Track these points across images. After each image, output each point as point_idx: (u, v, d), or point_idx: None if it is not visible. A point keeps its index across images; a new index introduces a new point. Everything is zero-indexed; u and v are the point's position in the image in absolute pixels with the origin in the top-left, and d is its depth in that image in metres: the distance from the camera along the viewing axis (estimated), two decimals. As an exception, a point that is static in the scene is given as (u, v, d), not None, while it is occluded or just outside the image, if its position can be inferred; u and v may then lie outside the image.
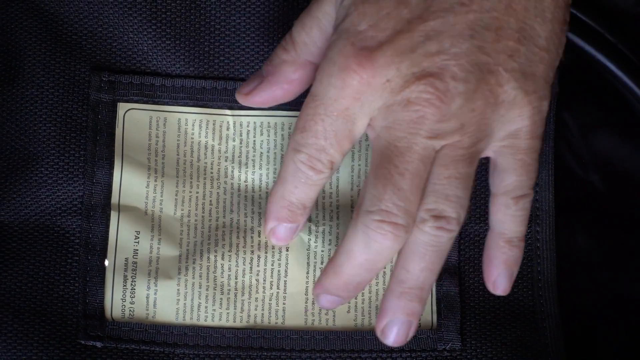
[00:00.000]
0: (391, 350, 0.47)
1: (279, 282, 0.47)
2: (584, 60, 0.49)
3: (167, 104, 0.48)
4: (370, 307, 0.47)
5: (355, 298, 0.47)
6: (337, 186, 0.48)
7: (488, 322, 0.47)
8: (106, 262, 0.47)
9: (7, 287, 0.46)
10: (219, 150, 0.48)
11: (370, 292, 0.47)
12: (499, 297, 0.47)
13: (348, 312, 0.47)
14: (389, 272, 0.47)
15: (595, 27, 0.49)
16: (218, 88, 0.48)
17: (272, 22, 0.49)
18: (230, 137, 0.48)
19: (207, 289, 0.47)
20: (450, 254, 0.47)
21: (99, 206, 0.47)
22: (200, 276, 0.47)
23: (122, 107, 0.48)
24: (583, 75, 0.49)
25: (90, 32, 0.48)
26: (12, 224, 0.47)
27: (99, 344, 0.46)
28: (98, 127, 0.48)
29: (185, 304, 0.46)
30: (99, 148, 0.47)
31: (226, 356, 0.46)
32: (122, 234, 0.47)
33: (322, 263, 0.47)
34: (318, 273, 0.47)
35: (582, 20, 0.49)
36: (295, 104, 0.46)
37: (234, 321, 0.46)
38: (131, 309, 0.46)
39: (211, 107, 0.48)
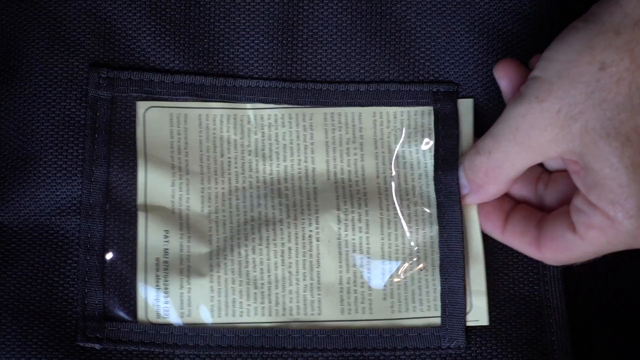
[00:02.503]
0: (394, 348, 0.45)
1: (312, 273, 0.45)
2: None
3: (179, 100, 0.46)
4: (406, 293, 0.45)
5: (391, 285, 0.45)
6: (363, 174, 0.46)
7: (493, 318, 0.46)
8: (108, 256, 0.45)
9: (5, 288, 0.44)
10: (242, 145, 0.46)
11: (405, 278, 0.46)
12: (504, 292, 0.46)
13: (384, 299, 0.45)
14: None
15: None
16: (217, 85, 0.47)
17: (271, 19, 0.47)
18: (252, 131, 0.47)
19: (240, 284, 0.45)
20: (455, 245, 0.45)
21: (97, 205, 0.45)
22: (233, 272, 0.45)
23: (141, 105, 0.46)
24: None
25: (89, 29, 0.47)
26: (10, 225, 0.45)
27: (97, 346, 0.44)
28: (96, 125, 0.46)
29: (219, 300, 0.45)
30: (97, 146, 0.46)
31: (227, 356, 0.45)
32: (151, 234, 0.45)
33: (353, 251, 0.46)
34: (350, 262, 0.45)
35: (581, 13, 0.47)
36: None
37: (270, 315, 0.45)
38: (166, 309, 0.45)
39: (231, 101, 0.46)
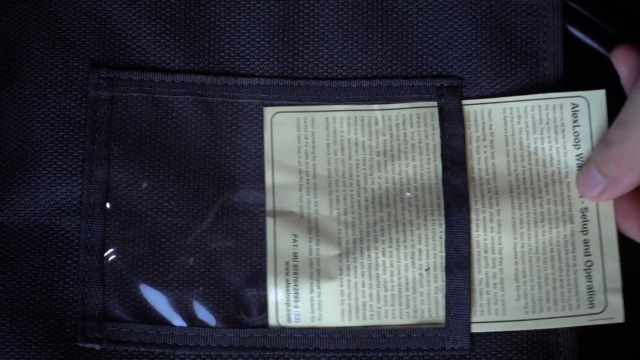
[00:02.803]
0: (397, 349, 0.44)
1: (443, 274, 0.45)
2: (586, 55, 0.48)
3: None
4: (540, 293, 0.44)
5: (525, 285, 0.44)
6: (494, 172, 0.45)
7: (499, 320, 0.45)
8: (107, 255, 0.45)
9: (5, 289, 0.44)
10: (370, 146, 0.46)
11: (539, 278, 0.44)
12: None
13: (517, 300, 0.44)
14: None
15: (597, 21, 0.48)
16: (218, 84, 0.46)
17: (272, 16, 0.47)
18: (379, 132, 0.46)
19: (370, 287, 0.45)
20: (461, 246, 0.44)
21: (97, 205, 0.45)
22: (363, 274, 0.45)
23: (268, 111, 0.46)
24: (585, 69, 0.47)
25: (88, 29, 0.47)
26: (10, 225, 0.45)
27: (97, 346, 0.44)
28: (96, 125, 0.46)
29: (349, 304, 0.45)
30: (97, 146, 0.46)
31: (228, 357, 0.44)
32: (280, 239, 0.45)
33: (486, 252, 0.45)
34: (482, 263, 0.45)
35: (584, 16, 0.47)
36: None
37: (400, 318, 0.44)
38: (296, 313, 0.44)
39: (355, 103, 0.46)
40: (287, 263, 0.45)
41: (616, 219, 0.44)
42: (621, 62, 0.43)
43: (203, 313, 0.45)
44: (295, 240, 0.45)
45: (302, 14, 0.47)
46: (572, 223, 0.45)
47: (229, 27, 0.47)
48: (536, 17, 0.46)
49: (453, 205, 0.45)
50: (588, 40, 0.47)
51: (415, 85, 0.46)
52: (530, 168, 0.45)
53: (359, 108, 0.46)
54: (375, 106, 0.46)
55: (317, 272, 0.45)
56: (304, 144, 0.46)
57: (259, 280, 0.45)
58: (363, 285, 0.45)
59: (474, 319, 0.44)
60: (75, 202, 0.45)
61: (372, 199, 0.45)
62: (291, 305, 0.44)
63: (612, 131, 0.41)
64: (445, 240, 0.45)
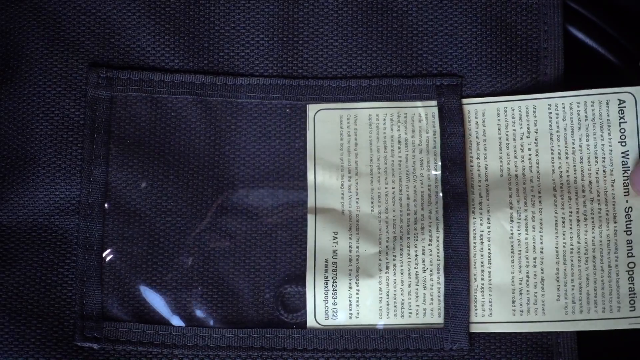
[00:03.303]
0: (395, 349, 0.44)
1: (482, 273, 0.44)
2: (586, 54, 0.47)
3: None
4: (581, 294, 0.43)
5: (565, 285, 0.44)
6: (538, 170, 0.45)
7: (498, 320, 0.44)
8: (106, 255, 0.45)
9: (3, 288, 0.44)
10: (413, 143, 0.46)
11: (580, 278, 0.44)
12: (509, 294, 0.44)
13: (558, 300, 0.43)
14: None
15: (597, 22, 0.47)
16: (217, 83, 0.46)
17: (271, 15, 0.46)
18: (423, 129, 0.46)
19: (409, 285, 0.44)
20: (460, 246, 0.44)
21: (96, 205, 0.45)
22: (402, 272, 0.44)
23: (311, 109, 0.46)
24: (585, 68, 0.47)
25: (88, 29, 0.46)
26: (9, 224, 0.45)
27: (95, 346, 0.44)
28: (95, 125, 0.46)
29: (388, 302, 0.44)
30: (96, 146, 0.46)
31: (226, 356, 0.44)
32: (320, 235, 0.45)
33: (526, 251, 0.44)
34: (523, 262, 0.44)
35: (584, 15, 0.47)
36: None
37: (439, 316, 0.44)
38: (334, 311, 0.44)
39: (400, 100, 0.46)
40: (326, 260, 0.45)
41: None
42: None
43: (201, 313, 0.45)
44: (335, 238, 0.45)
45: (301, 13, 0.47)
46: (615, 223, 0.44)
47: (228, 26, 0.47)
48: (536, 15, 0.46)
49: (452, 205, 0.45)
50: (588, 40, 0.47)
51: (415, 84, 0.46)
52: (575, 166, 0.45)
53: (402, 105, 0.46)
54: (419, 103, 0.46)
55: (357, 270, 0.44)
56: (347, 141, 0.46)
57: (290, 279, 0.45)
58: (402, 283, 0.44)
59: (512, 318, 0.44)
60: (74, 202, 0.45)
61: (414, 197, 0.45)
62: (329, 302, 0.44)
63: None
64: (444, 240, 0.44)
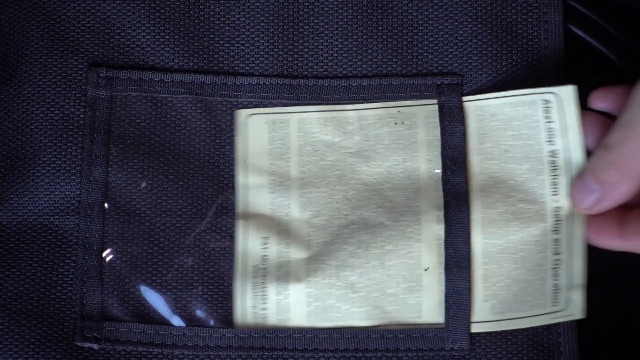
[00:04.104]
0: (396, 349, 0.44)
1: (412, 275, 0.44)
2: (587, 53, 0.47)
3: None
4: (508, 294, 0.43)
5: (493, 286, 0.43)
6: (467, 170, 0.45)
7: (499, 320, 0.44)
8: (106, 255, 0.44)
9: (3, 288, 0.44)
10: (343, 147, 0.45)
11: (508, 279, 0.44)
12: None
13: (485, 301, 0.43)
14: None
15: (598, 20, 0.47)
16: (218, 83, 0.46)
17: (271, 15, 0.46)
18: (353, 132, 0.45)
19: (338, 289, 0.44)
20: (461, 246, 0.44)
21: (96, 205, 0.45)
22: (331, 276, 0.44)
23: (241, 113, 0.46)
24: (586, 67, 0.47)
25: (87, 28, 0.46)
26: (9, 224, 0.45)
27: (96, 346, 0.44)
28: (95, 125, 0.46)
29: (317, 306, 0.44)
30: (96, 146, 0.45)
31: (226, 356, 0.44)
32: (249, 241, 0.45)
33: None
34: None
35: (585, 14, 0.47)
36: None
37: (368, 319, 0.44)
38: (263, 316, 0.44)
39: (329, 103, 0.45)
40: (255, 266, 0.44)
41: (590, 237, 0.43)
42: (604, 106, 0.42)
43: (201, 313, 0.45)
44: (265, 243, 0.44)
45: (301, 12, 0.46)
46: (544, 222, 0.43)
47: (228, 26, 0.46)
48: (537, 13, 0.45)
49: (453, 204, 0.44)
50: (588, 38, 0.47)
51: (416, 83, 0.46)
52: (504, 166, 0.44)
53: (332, 109, 0.45)
54: (349, 106, 0.45)
55: (286, 275, 0.44)
56: (277, 146, 0.45)
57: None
58: (330, 287, 0.44)
59: (440, 320, 0.43)
60: (74, 202, 0.45)
61: (345, 201, 0.45)
62: (258, 307, 0.44)
63: (611, 134, 0.40)
64: (445, 240, 0.44)
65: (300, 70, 0.46)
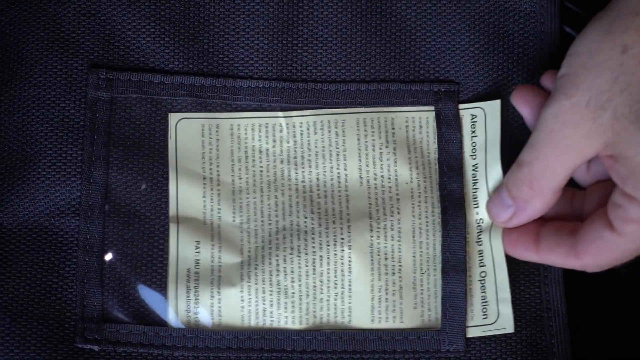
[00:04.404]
0: (394, 351, 0.44)
1: (343, 281, 0.44)
2: None
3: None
4: (436, 302, 0.44)
5: (422, 294, 0.44)
6: (397, 179, 0.45)
7: (493, 322, 0.45)
8: (107, 258, 0.44)
9: (4, 290, 0.44)
10: (274, 153, 0.46)
11: (435, 287, 0.44)
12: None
13: (415, 307, 0.44)
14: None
15: None
16: (217, 85, 0.46)
17: (271, 18, 0.46)
18: (284, 139, 0.46)
19: (270, 294, 0.44)
20: (457, 250, 0.44)
21: (96, 206, 0.45)
22: (264, 281, 0.44)
23: (173, 117, 0.45)
24: None
25: (88, 30, 0.46)
26: (9, 226, 0.45)
27: (96, 348, 0.44)
28: (95, 126, 0.45)
29: (249, 310, 0.44)
30: (96, 147, 0.45)
31: (226, 358, 0.44)
32: (182, 245, 0.45)
33: (385, 259, 0.45)
34: (382, 270, 0.44)
35: (583, 17, 0.47)
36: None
37: (300, 324, 0.44)
38: (196, 320, 0.44)
39: (263, 110, 0.46)
40: (188, 270, 0.44)
41: (507, 249, 0.44)
42: (521, 103, 0.43)
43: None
44: (197, 247, 0.45)
45: (301, 16, 0.47)
46: (468, 233, 0.45)
47: (228, 29, 0.46)
48: (534, 24, 0.46)
49: (449, 209, 0.45)
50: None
51: (413, 89, 0.46)
52: (430, 177, 0.45)
53: (264, 115, 0.46)
54: (280, 113, 0.46)
55: (219, 279, 0.44)
56: (208, 151, 0.45)
57: None
58: (264, 292, 0.44)
59: (370, 325, 0.44)
60: (74, 203, 0.45)
61: (276, 207, 0.45)
62: (191, 312, 0.44)
63: (523, 153, 0.41)
64: (442, 244, 0.45)
65: (299, 74, 0.46)
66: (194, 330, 0.44)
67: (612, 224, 0.39)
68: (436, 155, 0.46)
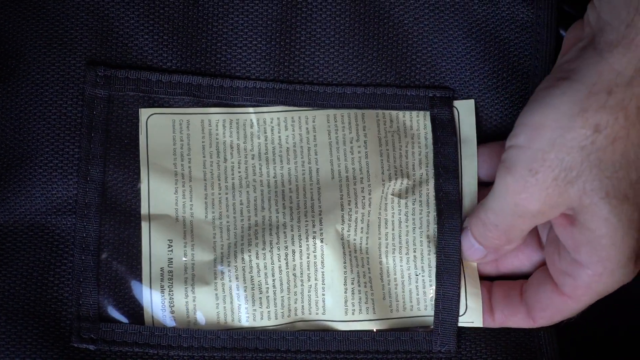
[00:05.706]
0: (386, 351, 0.45)
1: (316, 274, 0.45)
2: None
3: (175, 105, 0.45)
4: (404, 293, 0.45)
5: (389, 285, 0.45)
6: (368, 171, 0.46)
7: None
8: (103, 256, 0.44)
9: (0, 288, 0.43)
10: (245, 149, 0.45)
11: (402, 277, 0.45)
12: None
13: (384, 299, 0.45)
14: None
15: None
16: (214, 85, 0.46)
17: (270, 20, 0.46)
18: (255, 135, 0.45)
19: (245, 290, 0.44)
20: (452, 253, 0.45)
21: (93, 204, 0.44)
22: (237, 278, 0.44)
23: (144, 112, 0.45)
24: None
25: (86, 27, 0.45)
26: (5, 224, 0.44)
27: (92, 347, 0.43)
28: (93, 124, 0.45)
29: (225, 307, 0.44)
30: (93, 145, 0.45)
31: (221, 358, 0.44)
32: (155, 244, 0.44)
33: (356, 251, 0.45)
34: (354, 261, 0.45)
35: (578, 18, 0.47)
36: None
37: (276, 319, 0.44)
38: (171, 318, 0.44)
39: (233, 106, 0.45)
40: (162, 269, 0.44)
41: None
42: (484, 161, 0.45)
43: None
44: (170, 246, 0.44)
45: (299, 18, 0.46)
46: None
47: (227, 29, 0.46)
48: (530, 33, 0.47)
49: (445, 211, 0.46)
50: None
51: (409, 94, 0.46)
52: (401, 170, 0.46)
53: (234, 111, 0.46)
54: (251, 109, 0.46)
55: (192, 277, 0.44)
56: (179, 146, 0.45)
57: None
58: (238, 289, 0.44)
59: (344, 317, 0.45)
60: (71, 201, 0.44)
61: (247, 203, 0.45)
62: (166, 310, 0.44)
63: (486, 214, 0.42)
64: (437, 246, 0.45)
65: (296, 76, 0.46)
66: (189, 330, 0.44)
67: (561, 289, 0.41)
68: (431, 157, 0.46)
